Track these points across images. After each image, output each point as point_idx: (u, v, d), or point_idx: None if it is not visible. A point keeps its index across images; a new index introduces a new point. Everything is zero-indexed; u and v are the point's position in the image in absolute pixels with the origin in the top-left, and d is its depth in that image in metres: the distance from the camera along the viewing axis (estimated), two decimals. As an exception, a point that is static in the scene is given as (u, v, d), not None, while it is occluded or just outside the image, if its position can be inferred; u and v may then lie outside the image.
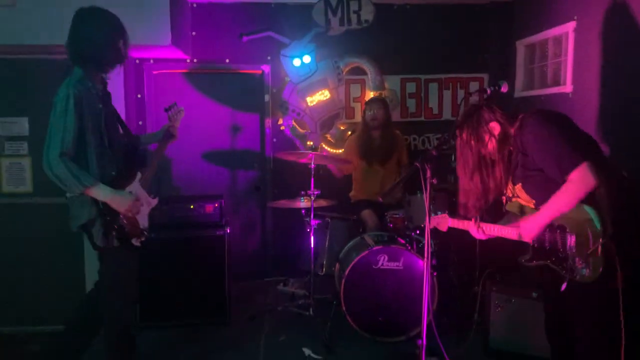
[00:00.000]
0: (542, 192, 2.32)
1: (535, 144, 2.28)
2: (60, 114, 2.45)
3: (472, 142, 2.42)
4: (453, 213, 2.78)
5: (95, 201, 2.54)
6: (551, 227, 2.35)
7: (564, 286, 2.31)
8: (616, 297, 2.14)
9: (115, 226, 2.57)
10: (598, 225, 2.16)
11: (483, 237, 2.63)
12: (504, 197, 2.58)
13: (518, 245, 2.51)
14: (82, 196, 2.54)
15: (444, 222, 2.83)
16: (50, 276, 3.98)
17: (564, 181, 2.20)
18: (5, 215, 4.13)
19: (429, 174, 2.31)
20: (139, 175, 2.78)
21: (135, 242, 2.70)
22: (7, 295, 3.96)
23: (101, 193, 2.52)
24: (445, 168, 3.82)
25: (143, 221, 2.78)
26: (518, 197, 2.49)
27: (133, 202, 2.61)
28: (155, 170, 2.93)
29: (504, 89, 2.42)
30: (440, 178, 3.80)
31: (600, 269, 2.16)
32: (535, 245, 2.44)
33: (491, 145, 2.42)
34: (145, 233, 2.78)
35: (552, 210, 2.28)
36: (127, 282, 2.74)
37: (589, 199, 2.17)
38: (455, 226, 2.77)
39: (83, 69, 2.57)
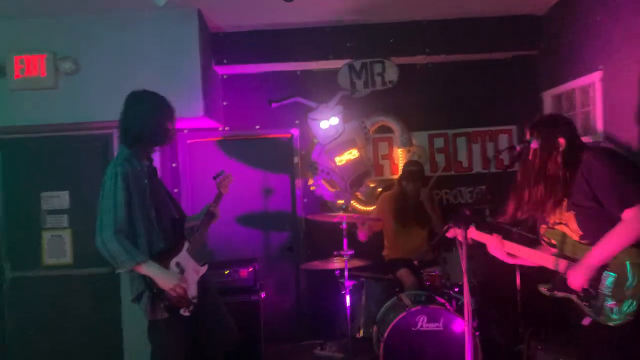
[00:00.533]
0: (593, 225, 2.25)
1: (604, 173, 2.22)
2: (110, 192, 2.57)
3: (540, 149, 2.38)
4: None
5: (143, 275, 2.62)
6: None
7: (587, 320, 2.24)
8: None
9: (162, 300, 2.63)
10: None
11: (500, 256, 2.54)
12: (543, 226, 2.49)
13: (563, 302, 2.42)
14: (132, 272, 2.62)
15: (485, 237, 2.69)
16: (89, 343, 4.00)
17: (618, 219, 2.15)
18: (48, 287, 4.24)
19: (462, 234, 2.29)
20: (186, 245, 2.85)
21: (184, 312, 2.73)
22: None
23: (150, 270, 2.61)
24: (481, 224, 3.76)
25: (192, 290, 2.80)
26: (565, 224, 2.38)
27: (179, 279, 2.66)
28: (202, 241, 2.98)
29: (534, 145, 2.42)
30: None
31: (627, 319, 2.10)
32: (564, 276, 2.34)
33: (556, 159, 2.36)
34: (195, 301, 2.80)
35: (605, 249, 2.20)
36: (174, 354, 2.75)
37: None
38: (476, 237, 2.65)
39: (130, 148, 2.71)
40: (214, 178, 3.22)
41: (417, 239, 4.45)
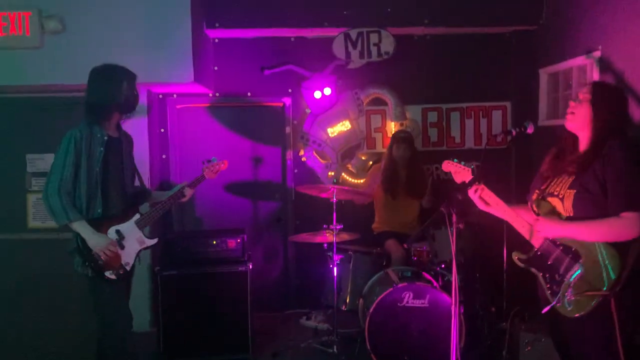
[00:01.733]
0: (587, 211, 2.23)
1: (622, 167, 2.17)
2: (61, 153, 2.79)
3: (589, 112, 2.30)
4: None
5: (76, 233, 2.82)
6: (567, 247, 2.28)
7: (546, 309, 2.29)
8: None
9: (87, 258, 2.80)
10: (613, 276, 2.09)
11: (479, 204, 2.47)
12: (537, 192, 2.45)
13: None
14: (69, 228, 2.82)
15: (464, 174, 2.56)
16: (80, 311, 3.99)
17: (614, 213, 2.14)
18: (32, 250, 4.20)
19: (454, 219, 2.27)
20: (136, 216, 3.03)
21: (110, 275, 2.86)
22: (32, 330, 3.99)
23: (80, 229, 2.80)
24: (470, 202, 3.75)
25: (127, 258, 2.96)
26: (560, 199, 2.33)
27: (109, 243, 2.83)
28: (157, 216, 3.12)
29: (530, 130, 2.39)
30: (465, 214, 3.75)
31: (579, 314, 2.17)
32: (539, 252, 2.36)
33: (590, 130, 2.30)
34: (127, 268, 2.95)
35: (582, 229, 2.22)
36: (106, 310, 2.91)
37: (625, 247, 2.10)
38: (467, 183, 2.55)
39: (89, 117, 2.91)
40: (203, 162, 3.39)
41: (408, 213, 4.45)
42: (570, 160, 2.32)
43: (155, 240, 3.11)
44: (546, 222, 2.29)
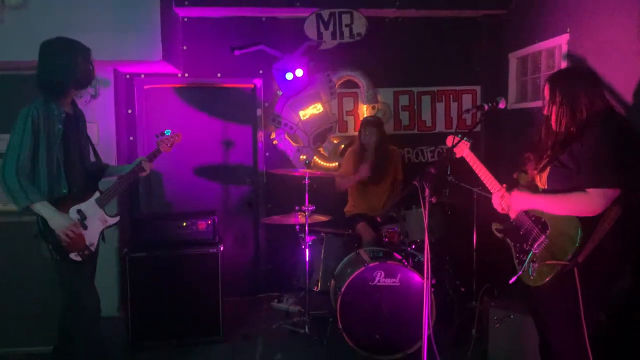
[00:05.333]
0: (560, 185, 2.28)
1: (596, 145, 2.18)
2: (18, 132, 2.66)
3: (560, 102, 2.32)
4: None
5: (39, 216, 2.72)
6: (537, 218, 2.33)
7: (512, 279, 2.36)
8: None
9: (50, 240, 2.72)
10: (574, 248, 2.14)
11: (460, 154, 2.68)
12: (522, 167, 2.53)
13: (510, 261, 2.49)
14: (32, 210, 2.71)
15: (462, 148, 2.72)
16: (42, 297, 3.88)
17: (580, 189, 2.18)
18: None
19: (427, 192, 2.28)
20: (96, 194, 2.95)
21: (75, 256, 2.79)
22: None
23: (42, 210, 2.69)
24: (442, 182, 3.79)
25: (91, 238, 2.89)
26: (538, 172, 2.40)
27: (71, 224, 2.74)
28: (118, 193, 3.06)
29: (502, 105, 2.41)
30: (437, 192, 3.79)
31: (541, 283, 2.23)
32: (514, 223, 2.46)
33: (572, 116, 2.30)
34: (92, 249, 2.88)
35: (549, 202, 2.29)
36: (73, 293, 2.85)
37: (592, 222, 2.14)
38: (466, 157, 2.73)
39: (45, 94, 2.78)
40: (157, 136, 3.35)
41: (378, 196, 4.46)
42: (552, 138, 2.36)
43: (117, 219, 3.05)
44: (517, 194, 2.35)
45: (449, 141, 2.77)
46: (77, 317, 2.86)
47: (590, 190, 2.15)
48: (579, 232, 2.14)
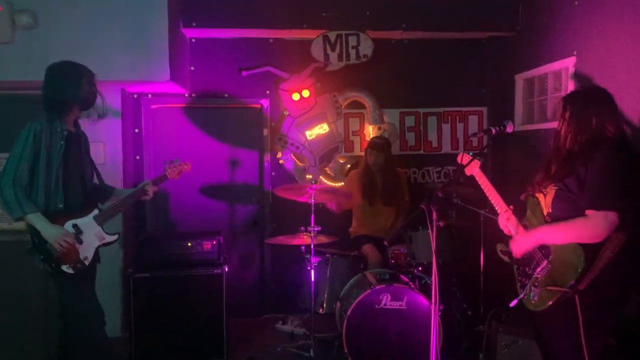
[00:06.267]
0: (564, 208, 2.25)
1: (600, 166, 2.16)
2: (20, 145, 2.74)
3: (570, 123, 2.32)
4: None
5: (32, 229, 2.75)
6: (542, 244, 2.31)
7: (514, 302, 2.33)
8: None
9: (44, 252, 2.74)
10: (576, 276, 2.10)
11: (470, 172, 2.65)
12: (530, 189, 2.49)
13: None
14: (26, 223, 2.76)
15: (473, 166, 2.70)
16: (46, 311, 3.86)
17: (582, 212, 2.15)
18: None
19: (435, 216, 2.26)
20: (95, 212, 2.97)
21: (67, 269, 2.80)
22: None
23: (35, 221, 2.73)
24: (449, 204, 3.77)
25: (86, 252, 2.90)
26: (545, 195, 2.37)
27: (65, 234, 2.76)
28: (117, 212, 3.07)
29: (510, 129, 2.40)
30: (444, 215, 3.76)
31: (542, 308, 2.19)
32: None
33: (582, 137, 2.30)
34: (85, 263, 2.88)
35: (553, 233, 2.25)
36: (69, 306, 2.88)
37: (594, 250, 2.11)
38: (476, 175, 2.70)
39: (48, 112, 2.87)
40: (165, 162, 3.42)
41: (384, 218, 4.44)
42: (556, 154, 2.35)
43: (116, 237, 3.05)
44: (518, 238, 2.36)
45: (460, 158, 2.77)
46: (75, 330, 2.88)
47: (591, 213, 2.12)
48: (582, 259, 2.10)
